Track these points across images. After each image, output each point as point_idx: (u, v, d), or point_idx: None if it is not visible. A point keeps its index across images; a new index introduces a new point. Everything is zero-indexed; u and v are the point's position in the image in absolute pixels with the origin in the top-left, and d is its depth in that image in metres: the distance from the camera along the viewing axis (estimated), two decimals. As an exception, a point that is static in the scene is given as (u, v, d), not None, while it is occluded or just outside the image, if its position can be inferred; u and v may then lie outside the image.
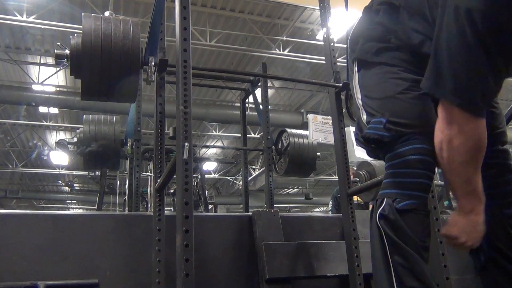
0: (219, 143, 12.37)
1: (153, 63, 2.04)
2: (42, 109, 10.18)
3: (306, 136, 4.23)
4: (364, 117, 1.33)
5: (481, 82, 1.04)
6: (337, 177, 2.42)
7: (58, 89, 8.84)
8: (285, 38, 8.13)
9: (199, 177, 5.60)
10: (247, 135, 4.72)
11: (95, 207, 5.27)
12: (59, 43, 2.07)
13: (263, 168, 6.46)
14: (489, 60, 1.02)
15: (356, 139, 1.34)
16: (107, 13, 3.43)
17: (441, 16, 1.07)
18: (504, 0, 0.97)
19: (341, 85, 2.22)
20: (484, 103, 1.08)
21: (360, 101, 1.37)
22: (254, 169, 13.62)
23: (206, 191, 5.90)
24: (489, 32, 0.99)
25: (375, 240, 1.20)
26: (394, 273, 1.12)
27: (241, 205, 4.72)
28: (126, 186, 4.21)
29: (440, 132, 1.14)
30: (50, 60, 8.63)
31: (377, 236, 1.18)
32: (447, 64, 1.07)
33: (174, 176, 1.48)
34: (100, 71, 1.94)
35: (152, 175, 4.01)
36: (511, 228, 1.21)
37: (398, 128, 1.19)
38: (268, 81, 5.30)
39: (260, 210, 2.34)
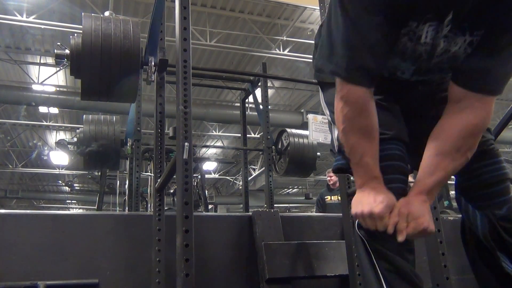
0: (219, 143, 12.36)
1: (153, 63, 2.04)
2: (42, 109, 10.17)
3: (306, 136, 4.24)
4: (336, 132, 1.34)
5: (353, 53, 1.10)
6: (337, 177, 2.41)
7: (58, 89, 8.84)
8: (285, 38, 8.13)
9: (199, 177, 5.60)
10: (247, 135, 4.72)
11: (95, 207, 5.27)
12: (59, 43, 2.08)
13: (263, 168, 6.46)
14: (360, 35, 1.07)
15: (333, 155, 1.35)
16: (107, 13, 3.44)
17: None
18: None
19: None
20: (362, 74, 1.11)
21: (329, 118, 1.39)
22: (254, 169, 13.61)
23: (206, 191, 5.90)
24: (353, 4, 1.05)
25: (359, 248, 1.21)
26: (383, 278, 1.12)
27: (241, 205, 4.72)
28: (126, 186, 4.21)
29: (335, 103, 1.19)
30: (50, 60, 8.63)
31: (360, 244, 1.19)
32: (325, 35, 1.16)
33: (174, 176, 1.49)
34: (100, 71, 1.94)
35: (152, 175, 4.02)
36: (502, 229, 1.19)
37: None
38: (268, 81, 5.31)
39: (260, 210, 2.34)
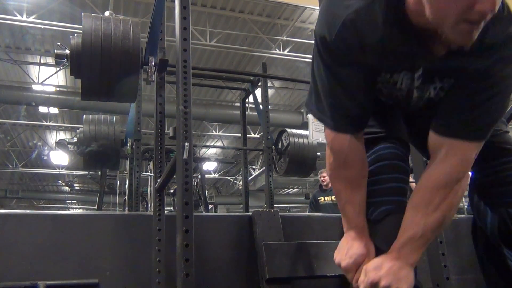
0: (219, 143, 12.36)
1: (153, 63, 2.04)
2: (42, 109, 10.17)
3: (306, 136, 4.24)
4: None
5: (336, 101, 1.11)
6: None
7: (58, 89, 8.83)
8: (285, 38, 8.13)
9: (199, 177, 5.60)
10: (247, 135, 4.72)
11: (95, 207, 5.27)
12: (59, 43, 2.08)
13: (263, 168, 6.46)
14: (341, 85, 1.08)
15: None
16: (107, 13, 3.44)
17: None
18: (343, 32, 0.99)
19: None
20: (346, 122, 1.13)
21: None
22: (254, 169, 13.61)
23: (206, 191, 5.90)
24: (329, 57, 1.05)
25: None
26: None
27: (241, 205, 4.72)
28: (126, 186, 4.21)
29: None
30: (50, 60, 8.63)
31: None
32: (311, 79, 1.17)
33: (174, 176, 1.48)
34: (100, 71, 1.94)
35: (152, 175, 4.02)
36: None
37: (365, 136, 1.22)
38: (268, 81, 5.31)
39: (260, 210, 2.34)
